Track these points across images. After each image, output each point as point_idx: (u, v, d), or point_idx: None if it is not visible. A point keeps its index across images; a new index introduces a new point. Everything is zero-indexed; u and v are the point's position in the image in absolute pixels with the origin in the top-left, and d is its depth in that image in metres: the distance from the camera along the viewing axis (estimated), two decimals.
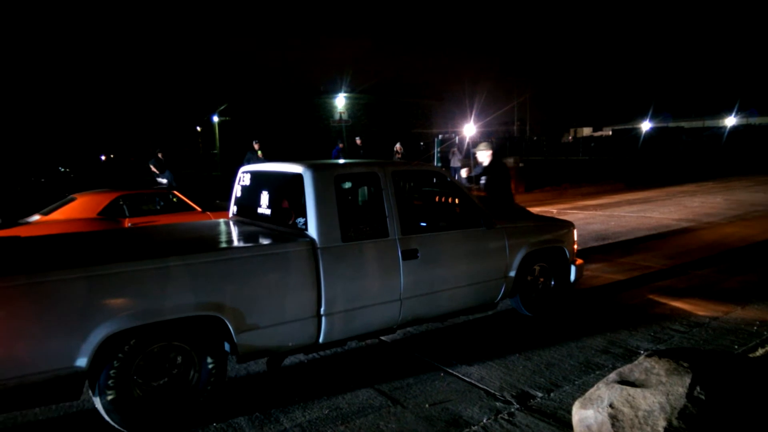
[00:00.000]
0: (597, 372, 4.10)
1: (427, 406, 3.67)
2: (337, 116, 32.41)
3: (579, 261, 5.70)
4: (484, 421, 3.46)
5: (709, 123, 33.05)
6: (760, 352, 4.38)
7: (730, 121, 32.90)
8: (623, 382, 2.58)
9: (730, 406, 2.40)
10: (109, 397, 3.20)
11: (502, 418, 3.49)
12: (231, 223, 4.90)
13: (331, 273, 3.88)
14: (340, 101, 32.95)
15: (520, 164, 18.34)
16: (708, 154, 26.52)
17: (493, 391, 3.86)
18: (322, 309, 3.87)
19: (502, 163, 6.73)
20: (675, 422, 2.32)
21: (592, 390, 2.67)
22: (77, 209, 7.60)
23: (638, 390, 2.49)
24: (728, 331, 4.94)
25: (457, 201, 4.97)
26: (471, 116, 23.03)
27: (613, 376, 2.69)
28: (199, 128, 43.60)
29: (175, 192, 8.45)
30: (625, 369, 2.72)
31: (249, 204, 4.85)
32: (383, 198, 4.30)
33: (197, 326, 3.45)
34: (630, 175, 21.41)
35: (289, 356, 4.18)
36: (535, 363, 4.33)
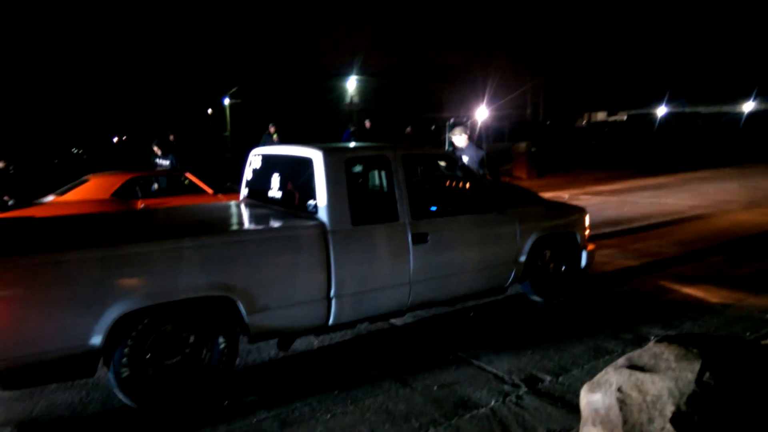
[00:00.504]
0: (606, 357, 4.11)
1: (435, 388, 3.69)
2: (348, 99, 32.27)
3: (591, 246, 5.67)
4: (492, 403, 3.49)
5: (726, 109, 32.44)
6: None
7: (748, 106, 32.31)
8: (632, 366, 2.57)
9: (739, 393, 2.39)
10: (124, 375, 3.26)
11: (510, 401, 3.51)
12: (242, 205, 4.93)
13: (340, 256, 3.90)
14: (351, 84, 32.80)
15: (532, 149, 18.16)
16: (725, 140, 26.10)
17: (501, 375, 3.88)
18: (332, 291, 3.89)
19: (478, 147, 6.99)
20: (683, 407, 2.32)
21: (600, 374, 2.68)
22: (91, 190, 7.68)
23: (647, 375, 2.48)
24: (740, 319, 4.90)
25: (467, 185, 4.96)
26: (483, 100, 22.81)
27: (622, 360, 2.68)
28: (210, 111, 43.68)
29: (187, 174, 8.51)
30: (635, 354, 2.72)
31: (260, 187, 4.87)
32: (393, 182, 4.30)
33: (209, 306, 3.50)
34: (644, 161, 21.17)
35: (299, 338, 4.23)
36: (543, 347, 4.34)
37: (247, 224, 4.38)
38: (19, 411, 3.48)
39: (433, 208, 4.64)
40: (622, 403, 2.45)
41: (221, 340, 3.56)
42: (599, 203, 11.93)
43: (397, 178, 4.30)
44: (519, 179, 17.36)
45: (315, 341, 4.52)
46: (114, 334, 3.18)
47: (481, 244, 4.76)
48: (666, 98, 32.77)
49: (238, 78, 36.53)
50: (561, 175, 18.31)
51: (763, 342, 4.11)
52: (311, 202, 4.03)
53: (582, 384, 2.74)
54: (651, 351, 2.68)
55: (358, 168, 4.71)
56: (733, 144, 24.83)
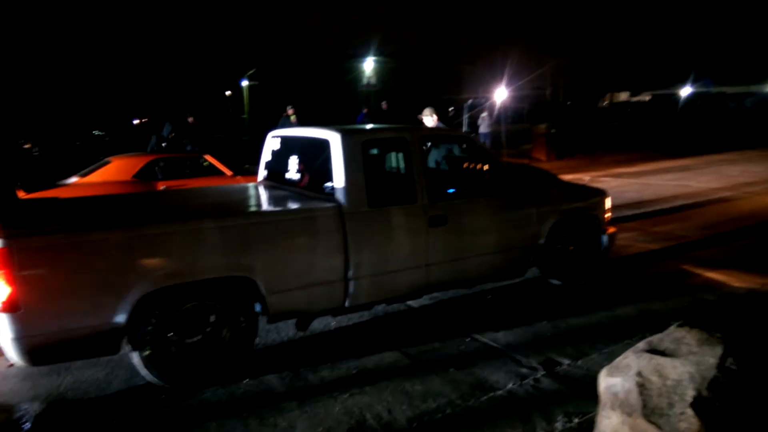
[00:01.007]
0: (626, 341, 4.07)
1: (452, 370, 3.71)
2: (365, 81, 32.08)
3: (611, 229, 5.60)
4: (510, 386, 3.49)
5: (753, 89, 31.53)
6: None
7: None
8: (652, 351, 2.55)
9: (763, 379, 2.36)
10: (146, 353, 3.33)
11: (528, 384, 3.51)
12: (260, 187, 4.96)
13: (357, 238, 3.91)
14: (369, 65, 32.56)
15: (552, 130, 17.91)
16: (752, 120, 25.42)
17: (519, 357, 3.88)
18: (350, 273, 3.91)
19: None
20: (705, 392, 2.29)
21: (620, 358, 2.66)
22: (113, 172, 7.78)
23: (667, 359, 2.46)
24: (764, 303, 4.82)
25: (485, 167, 4.91)
26: (503, 81, 22.48)
27: (642, 345, 2.66)
28: (228, 93, 43.80)
29: (206, 156, 8.57)
30: (655, 338, 2.69)
31: (278, 168, 4.88)
32: (411, 163, 4.27)
33: (229, 287, 3.54)
34: (667, 142, 20.75)
35: (317, 319, 4.27)
36: (562, 331, 4.32)
37: (265, 206, 4.40)
38: (47, 386, 3.58)
39: (451, 191, 4.62)
40: (642, 387, 2.43)
41: (241, 319, 3.61)
42: (620, 185, 11.76)
43: (415, 159, 4.28)
44: (538, 161, 17.17)
45: (332, 322, 4.56)
46: (137, 312, 3.25)
47: (499, 226, 4.73)
48: (691, 78, 31.96)
49: (256, 60, 36.50)
50: (581, 157, 18.04)
51: None
52: (328, 184, 4.04)
53: (601, 368, 2.73)
54: (672, 335, 2.65)
55: (375, 150, 4.69)
56: (761, 125, 24.15)
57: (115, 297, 3.17)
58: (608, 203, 5.56)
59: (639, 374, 2.47)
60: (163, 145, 10.88)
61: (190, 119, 13.84)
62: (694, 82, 32.14)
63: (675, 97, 30.19)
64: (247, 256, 3.54)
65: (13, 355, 3.10)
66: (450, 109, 25.72)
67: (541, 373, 3.65)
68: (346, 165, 3.96)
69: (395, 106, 17.00)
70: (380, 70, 33.35)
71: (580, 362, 3.79)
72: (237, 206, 4.31)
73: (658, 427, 2.29)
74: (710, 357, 2.40)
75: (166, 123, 10.91)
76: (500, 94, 21.31)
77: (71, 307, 3.11)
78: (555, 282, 5.33)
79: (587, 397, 3.26)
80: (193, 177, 8.19)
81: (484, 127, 18.64)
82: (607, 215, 5.55)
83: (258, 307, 3.72)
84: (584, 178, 12.58)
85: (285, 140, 4.94)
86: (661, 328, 4.32)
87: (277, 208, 4.15)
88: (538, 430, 3.03)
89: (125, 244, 3.22)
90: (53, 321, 3.08)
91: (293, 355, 4.00)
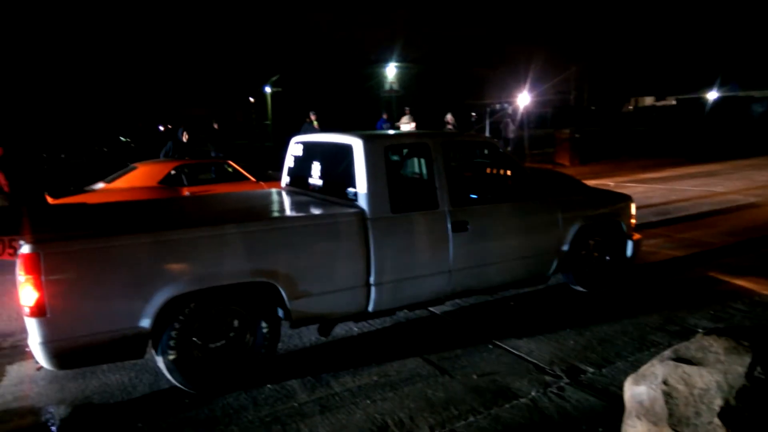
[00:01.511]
0: (652, 349, 4.01)
1: (475, 377, 3.69)
2: (387, 86, 32.15)
3: (637, 236, 5.51)
4: (533, 393, 3.46)
5: None
6: None
7: None
8: (679, 359, 2.51)
9: None
10: (171, 357, 3.38)
11: (552, 392, 3.47)
12: (283, 192, 5.00)
13: (380, 243, 3.92)
14: (391, 71, 32.62)
15: (576, 135, 17.73)
16: None
17: (542, 365, 3.84)
18: (372, 278, 3.92)
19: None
20: (732, 402, 2.25)
21: (645, 366, 2.62)
22: (138, 178, 7.93)
23: (694, 368, 2.42)
24: None
25: (508, 173, 4.89)
26: (525, 86, 22.35)
27: (668, 353, 2.62)
28: (252, 99, 44.33)
29: (230, 162, 8.68)
30: (681, 346, 2.65)
31: (301, 174, 4.93)
32: (433, 169, 4.28)
33: (253, 292, 3.58)
34: (694, 147, 20.37)
35: (339, 324, 4.28)
36: (587, 338, 4.27)
37: (288, 212, 4.45)
38: (73, 390, 3.65)
39: (474, 196, 4.60)
40: (668, 396, 2.39)
41: (264, 324, 3.64)
42: (646, 191, 11.58)
43: (437, 165, 4.28)
44: (562, 166, 16.99)
45: (355, 328, 4.57)
46: (162, 317, 3.30)
47: (522, 232, 4.69)
48: (717, 82, 31.36)
49: (280, 67, 36.92)
50: (606, 162, 17.82)
51: None
52: (351, 189, 4.06)
53: (626, 376, 2.69)
54: (699, 343, 2.60)
55: (397, 156, 4.70)
56: None
57: (141, 302, 3.22)
58: (633, 209, 5.48)
59: (665, 383, 2.43)
60: (173, 152, 10.91)
61: (215, 125, 14.06)
62: (720, 86, 31.53)
63: (701, 102, 29.64)
64: (271, 262, 3.58)
65: (40, 358, 3.17)
66: (472, 114, 25.63)
67: (564, 381, 3.61)
68: (369, 171, 3.97)
69: (419, 112, 17.02)
70: (402, 76, 33.40)
71: (604, 370, 3.74)
72: (261, 212, 4.36)
73: None
74: (738, 366, 2.35)
75: (179, 128, 11.07)
76: (523, 99, 21.19)
77: (97, 312, 3.17)
78: (579, 289, 5.26)
79: (612, 405, 3.22)
80: (218, 183, 8.31)
81: (507, 133, 18.54)
82: (633, 221, 5.47)
83: (281, 313, 3.75)
84: (609, 183, 12.41)
85: (308, 146, 4.99)
86: (687, 336, 4.24)
87: (300, 214, 4.19)
88: None
89: (151, 250, 3.28)
90: (80, 325, 3.14)
91: (315, 360, 4.02)
